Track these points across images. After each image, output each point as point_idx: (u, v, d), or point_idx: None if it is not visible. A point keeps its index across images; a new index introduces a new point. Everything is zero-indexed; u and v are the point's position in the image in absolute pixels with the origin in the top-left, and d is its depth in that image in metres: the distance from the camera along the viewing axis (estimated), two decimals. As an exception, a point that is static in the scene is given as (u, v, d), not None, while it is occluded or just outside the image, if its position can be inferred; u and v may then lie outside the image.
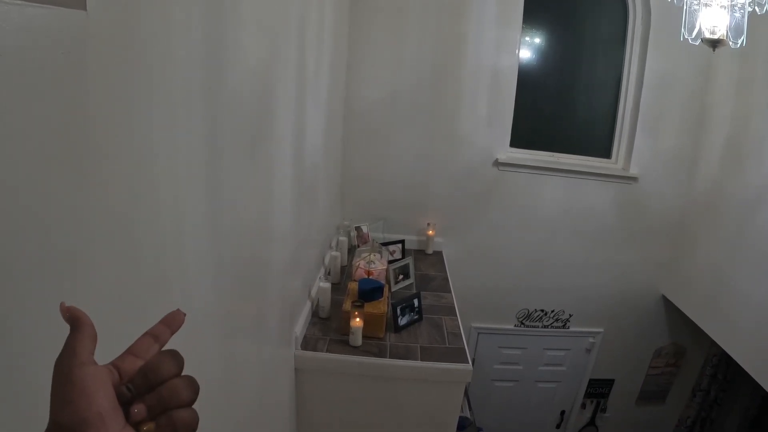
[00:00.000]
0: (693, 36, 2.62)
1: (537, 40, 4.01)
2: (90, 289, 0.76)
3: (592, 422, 4.96)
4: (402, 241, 3.74)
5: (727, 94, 3.71)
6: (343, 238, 3.38)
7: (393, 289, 3.06)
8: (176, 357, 0.49)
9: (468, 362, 2.48)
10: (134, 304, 0.89)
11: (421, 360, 2.47)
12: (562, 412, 4.88)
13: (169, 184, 1.00)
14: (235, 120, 1.36)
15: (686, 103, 3.90)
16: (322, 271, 2.99)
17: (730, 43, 2.59)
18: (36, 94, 0.62)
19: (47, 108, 0.64)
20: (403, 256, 3.60)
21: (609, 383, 4.80)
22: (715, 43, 2.61)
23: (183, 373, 0.49)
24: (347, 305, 2.55)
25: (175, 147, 1.02)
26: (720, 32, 2.55)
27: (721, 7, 2.51)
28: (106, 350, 0.54)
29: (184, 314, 0.53)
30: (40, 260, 0.65)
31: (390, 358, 2.46)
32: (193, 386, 0.48)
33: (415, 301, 2.78)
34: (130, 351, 0.50)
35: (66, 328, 0.46)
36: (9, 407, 0.61)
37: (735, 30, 2.55)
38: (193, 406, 0.48)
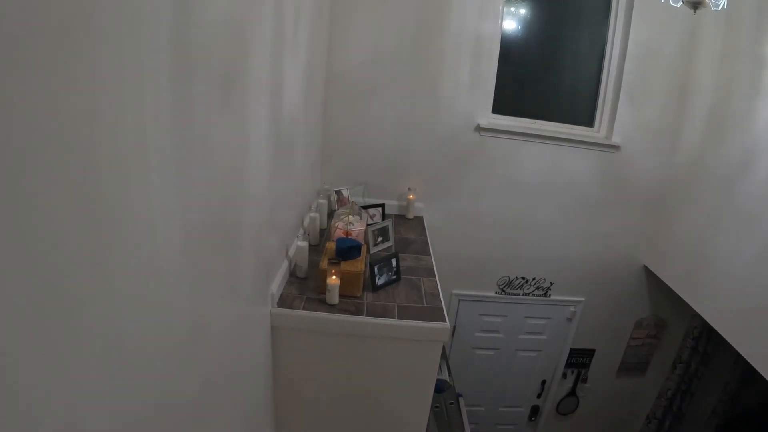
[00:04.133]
0: (674, -3, 2.61)
1: (522, 10, 3.97)
2: (52, 246, 0.74)
3: (572, 392, 5.02)
4: (382, 205, 3.72)
5: (711, 65, 3.70)
6: (323, 201, 3.35)
7: (372, 251, 3.06)
8: None
9: (445, 321, 2.48)
10: (99, 258, 0.87)
11: (398, 318, 2.46)
12: (543, 382, 4.93)
13: (132, 128, 0.96)
14: (206, 62, 1.32)
15: (669, 74, 3.89)
16: (301, 232, 2.97)
17: (711, 5, 2.58)
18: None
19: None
20: (383, 220, 3.58)
21: (590, 353, 4.85)
22: (695, 5, 2.60)
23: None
24: (324, 263, 2.54)
25: (141, 85, 0.98)
26: (701, -7, 2.54)
27: (703, -32, 2.49)
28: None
29: None
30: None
31: (367, 316, 2.46)
32: None
33: (393, 261, 2.77)
34: None
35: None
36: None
37: (717, -8, 2.54)
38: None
